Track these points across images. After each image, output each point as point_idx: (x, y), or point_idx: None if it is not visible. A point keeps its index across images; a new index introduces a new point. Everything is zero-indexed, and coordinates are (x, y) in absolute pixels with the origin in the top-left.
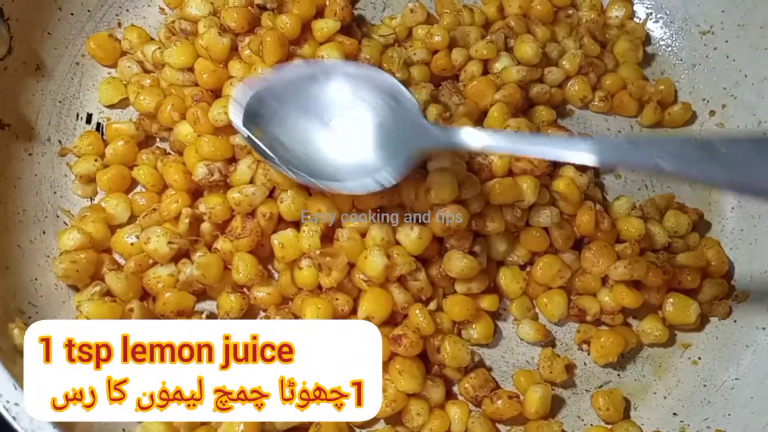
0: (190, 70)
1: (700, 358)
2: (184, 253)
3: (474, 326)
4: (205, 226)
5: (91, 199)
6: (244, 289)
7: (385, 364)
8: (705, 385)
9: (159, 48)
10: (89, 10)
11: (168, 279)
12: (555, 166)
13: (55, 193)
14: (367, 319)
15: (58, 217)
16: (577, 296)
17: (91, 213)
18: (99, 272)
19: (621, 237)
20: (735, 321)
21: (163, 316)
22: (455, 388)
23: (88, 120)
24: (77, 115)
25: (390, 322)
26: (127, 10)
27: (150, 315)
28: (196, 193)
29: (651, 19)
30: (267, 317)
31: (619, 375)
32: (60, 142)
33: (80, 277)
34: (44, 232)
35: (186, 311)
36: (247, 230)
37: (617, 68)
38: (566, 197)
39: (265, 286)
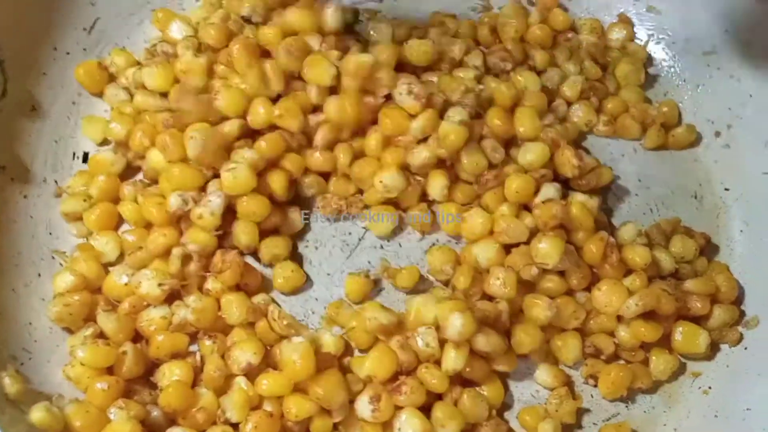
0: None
1: (710, 388)
2: (176, 292)
3: (484, 388)
4: (193, 265)
5: (86, 239)
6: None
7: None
8: (716, 416)
9: (139, 67)
10: (84, 49)
11: (161, 321)
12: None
13: (50, 234)
14: (369, 378)
15: (53, 258)
16: (592, 335)
17: (81, 253)
18: (93, 313)
19: (627, 266)
20: (746, 348)
21: (157, 359)
22: None
23: (85, 159)
24: (73, 154)
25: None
26: (124, 47)
27: (144, 358)
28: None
29: (653, 40)
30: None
31: (627, 407)
32: (56, 182)
33: (74, 319)
34: (40, 275)
35: (180, 353)
36: (227, 263)
37: (619, 91)
38: (580, 223)
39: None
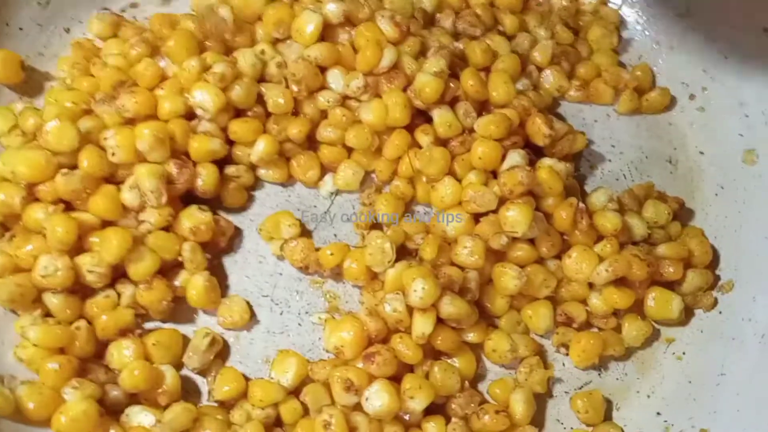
0: None
1: (684, 353)
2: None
3: (456, 359)
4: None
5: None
6: None
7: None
8: (690, 382)
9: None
10: (39, 24)
11: (105, 302)
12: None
13: None
14: (336, 349)
15: None
16: (563, 303)
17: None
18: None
19: (598, 232)
20: (720, 312)
21: (105, 339)
22: None
23: None
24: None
25: None
26: (80, 22)
27: (95, 337)
28: None
29: (626, 3)
30: None
31: (600, 375)
32: None
33: (23, 300)
34: None
35: (128, 328)
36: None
37: (591, 56)
38: (549, 188)
39: None
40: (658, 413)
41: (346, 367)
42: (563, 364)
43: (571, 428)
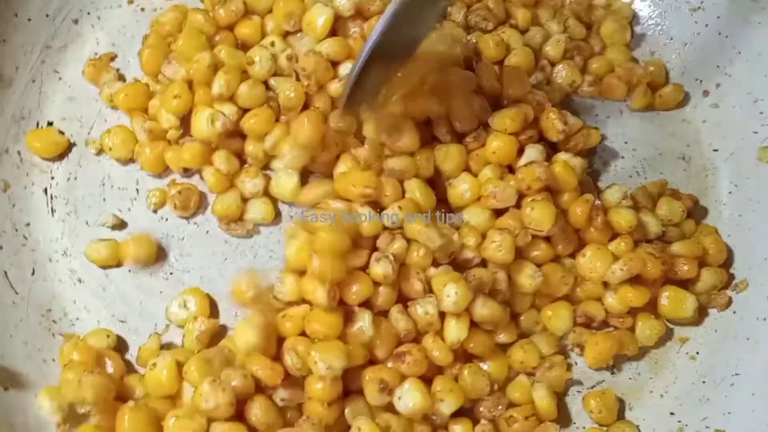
0: None
1: (698, 353)
2: None
3: (487, 363)
4: None
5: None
6: None
7: None
8: (704, 382)
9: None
10: (47, 15)
11: None
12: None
13: (14, 206)
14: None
15: (17, 231)
16: (581, 303)
17: None
18: None
19: (613, 229)
20: (734, 312)
21: None
22: None
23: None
24: (37, 123)
25: None
26: (88, 13)
27: None
28: None
29: None
30: None
31: (613, 374)
32: (19, 152)
33: None
34: (2, 247)
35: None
36: None
37: (604, 50)
38: (565, 182)
39: None
40: (672, 413)
41: (378, 367)
42: (576, 363)
43: (584, 427)
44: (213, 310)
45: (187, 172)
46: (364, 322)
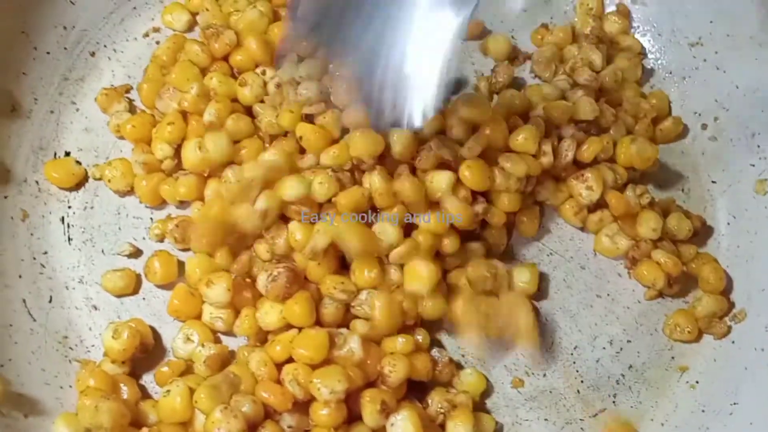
0: None
1: (698, 382)
2: None
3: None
4: None
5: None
6: None
7: None
8: (703, 411)
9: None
10: (65, 48)
11: None
12: None
13: (32, 235)
14: None
15: (35, 259)
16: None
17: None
18: None
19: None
20: (733, 342)
21: None
22: None
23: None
24: (55, 154)
25: None
26: (105, 46)
27: None
28: None
29: (638, 32)
30: None
31: (614, 402)
32: (37, 182)
33: None
34: (21, 276)
35: None
36: None
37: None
38: None
39: None
40: None
41: (378, 390)
42: (578, 392)
43: None
44: (217, 338)
45: (182, 204)
46: (353, 344)
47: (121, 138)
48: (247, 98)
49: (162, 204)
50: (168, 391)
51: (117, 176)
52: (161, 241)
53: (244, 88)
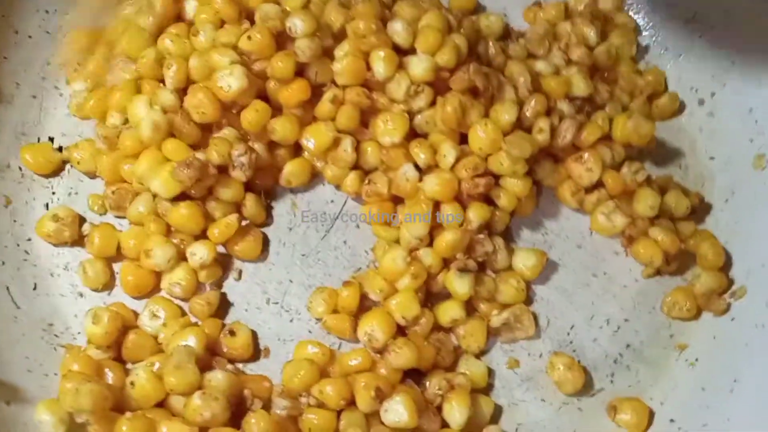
0: None
1: (697, 360)
2: None
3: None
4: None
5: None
6: None
7: None
8: (703, 389)
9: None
10: (48, 32)
11: None
12: None
13: (15, 221)
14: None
15: (18, 246)
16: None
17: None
18: None
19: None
20: (733, 319)
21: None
22: None
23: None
24: (38, 139)
25: None
26: None
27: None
28: None
29: (632, 9)
30: None
31: (612, 381)
32: (20, 168)
33: None
34: (3, 263)
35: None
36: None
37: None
38: None
39: None
40: (672, 420)
41: (373, 375)
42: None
43: None
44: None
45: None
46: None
47: (83, 119)
48: (204, 45)
49: (123, 180)
50: (132, 382)
51: (85, 157)
52: (104, 213)
53: (197, 37)
